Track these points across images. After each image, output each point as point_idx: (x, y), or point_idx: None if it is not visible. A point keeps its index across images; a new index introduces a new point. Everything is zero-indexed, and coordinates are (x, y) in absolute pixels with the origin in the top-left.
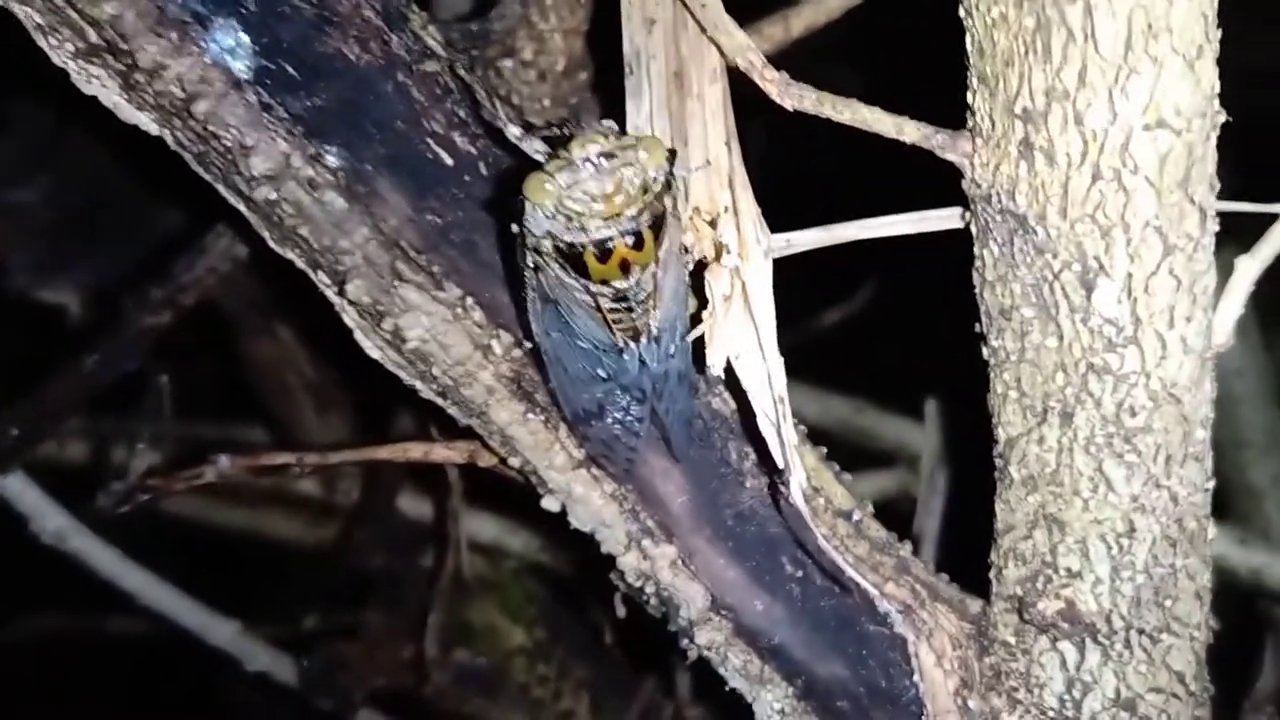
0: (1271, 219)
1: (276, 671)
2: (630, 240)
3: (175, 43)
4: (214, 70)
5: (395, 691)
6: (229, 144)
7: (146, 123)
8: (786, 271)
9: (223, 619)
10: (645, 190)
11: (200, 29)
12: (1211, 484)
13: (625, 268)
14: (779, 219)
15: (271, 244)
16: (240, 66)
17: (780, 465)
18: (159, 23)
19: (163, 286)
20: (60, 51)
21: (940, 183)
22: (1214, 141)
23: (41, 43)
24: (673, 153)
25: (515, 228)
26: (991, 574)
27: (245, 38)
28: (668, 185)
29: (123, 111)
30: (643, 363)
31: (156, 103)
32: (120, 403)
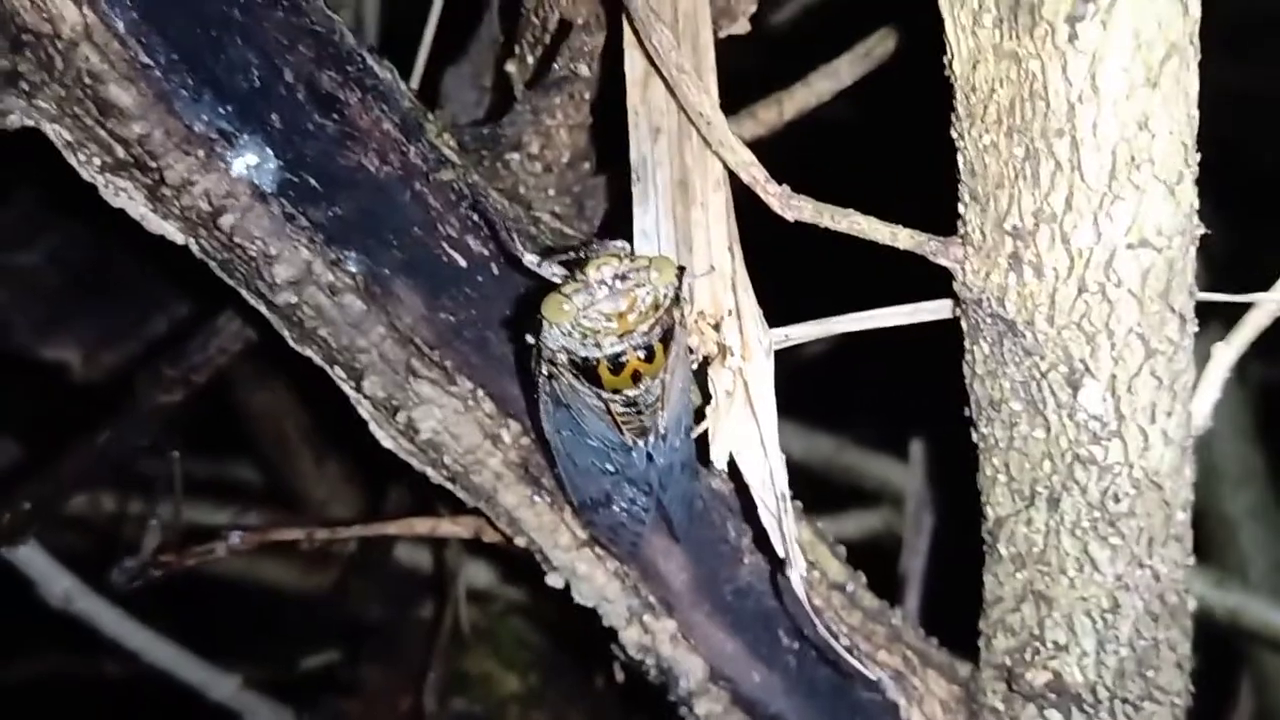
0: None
1: None
2: (642, 354)
3: (202, 159)
4: (239, 185)
5: None
6: (253, 253)
7: (172, 233)
8: (766, 302)
9: (223, 675)
10: (657, 307)
11: (226, 146)
12: (1191, 560)
13: (636, 378)
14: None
15: (291, 343)
16: (265, 180)
17: (781, 556)
18: (186, 140)
19: (175, 365)
20: (89, 167)
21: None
22: (1193, 253)
23: (70, 159)
24: (682, 269)
25: (531, 340)
26: (980, 642)
27: (270, 153)
28: (677, 299)
29: (150, 223)
30: (650, 458)
31: (183, 215)
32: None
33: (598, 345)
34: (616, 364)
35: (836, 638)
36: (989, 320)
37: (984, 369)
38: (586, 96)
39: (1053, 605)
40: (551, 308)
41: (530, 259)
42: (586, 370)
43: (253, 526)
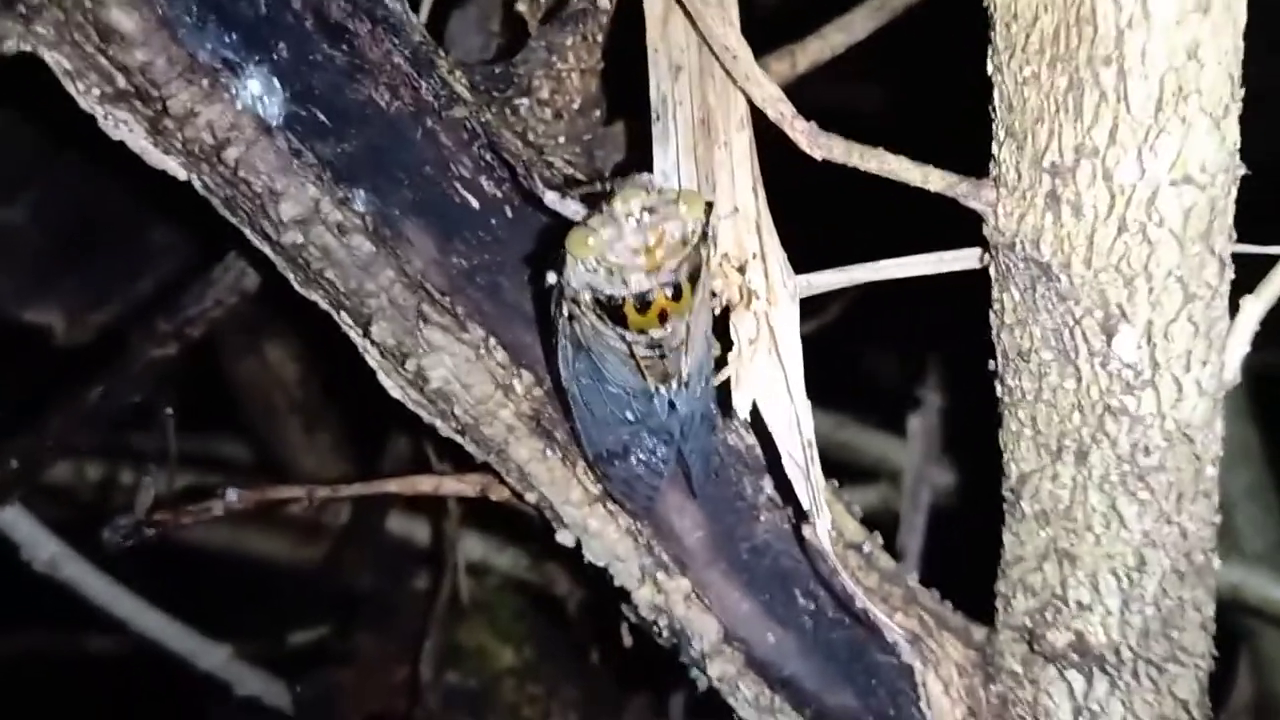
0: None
1: (268, 696)
2: (670, 292)
3: (206, 89)
4: (245, 117)
5: (387, 715)
6: (258, 189)
7: (174, 167)
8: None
9: (214, 644)
10: (685, 243)
11: (232, 76)
12: (1219, 518)
13: (663, 318)
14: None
15: (296, 286)
16: (271, 113)
17: (807, 508)
18: (190, 69)
19: (170, 319)
20: (88, 97)
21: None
22: (1234, 194)
23: (70, 88)
24: (710, 205)
25: (552, 278)
26: (998, 603)
27: (277, 84)
28: (704, 237)
29: (150, 156)
30: (672, 406)
31: (185, 148)
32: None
33: (624, 282)
34: (643, 302)
35: (868, 599)
36: (1022, 265)
37: (1013, 317)
38: (600, 38)
39: (1077, 563)
40: (576, 242)
41: (550, 196)
42: (611, 310)
43: (251, 486)
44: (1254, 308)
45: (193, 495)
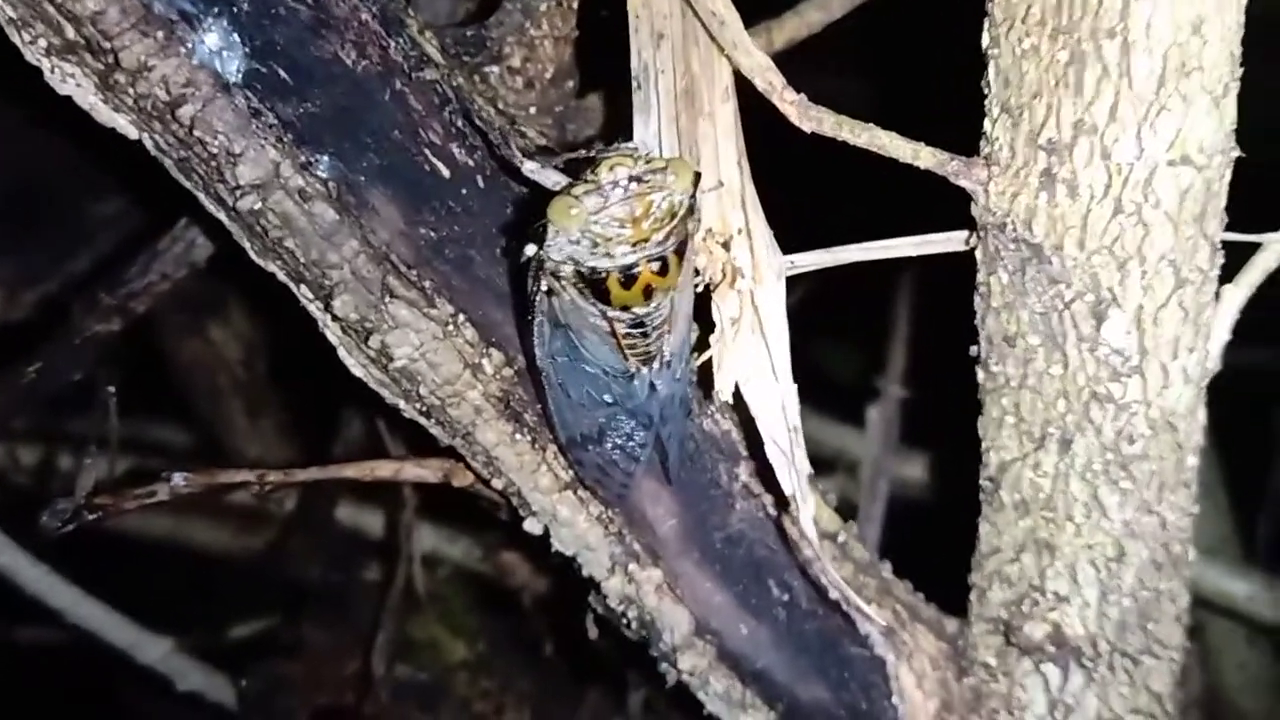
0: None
1: (211, 691)
2: (656, 266)
3: (161, 42)
4: (201, 72)
5: (335, 709)
6: (214, 151)
7: (125, 126)
8: None
9: (154, 636)
10: (673, 215)
11: (188, 28)
12: (1196, 509)
13: (648, 293)
14: None
15: (253, 256)
16: (230, 69)
17: (790, 495)
18: (144, 20)
19: (113, 292)
20: (33, 49)
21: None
22: (1228, 177)
23: (14, 38)
24: (699, 175)
25: (531, 250)
26: (972, 595)
27: (236, 38)
28: (691, 209)
29: (99, 113)
30: (653, 388)
31: (137, 105)
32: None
33: (609, 255)
34: (628, 276)
35: (849, 588)
36: (1012, 246)
37: (1000, 301)
38: (574, 4)
39: (1055, 554)
40: (559, 211)
41: (530, 165)
42: (594, 284)
43: (198, 470)
44: (1234, 295)
45: (133, 481)
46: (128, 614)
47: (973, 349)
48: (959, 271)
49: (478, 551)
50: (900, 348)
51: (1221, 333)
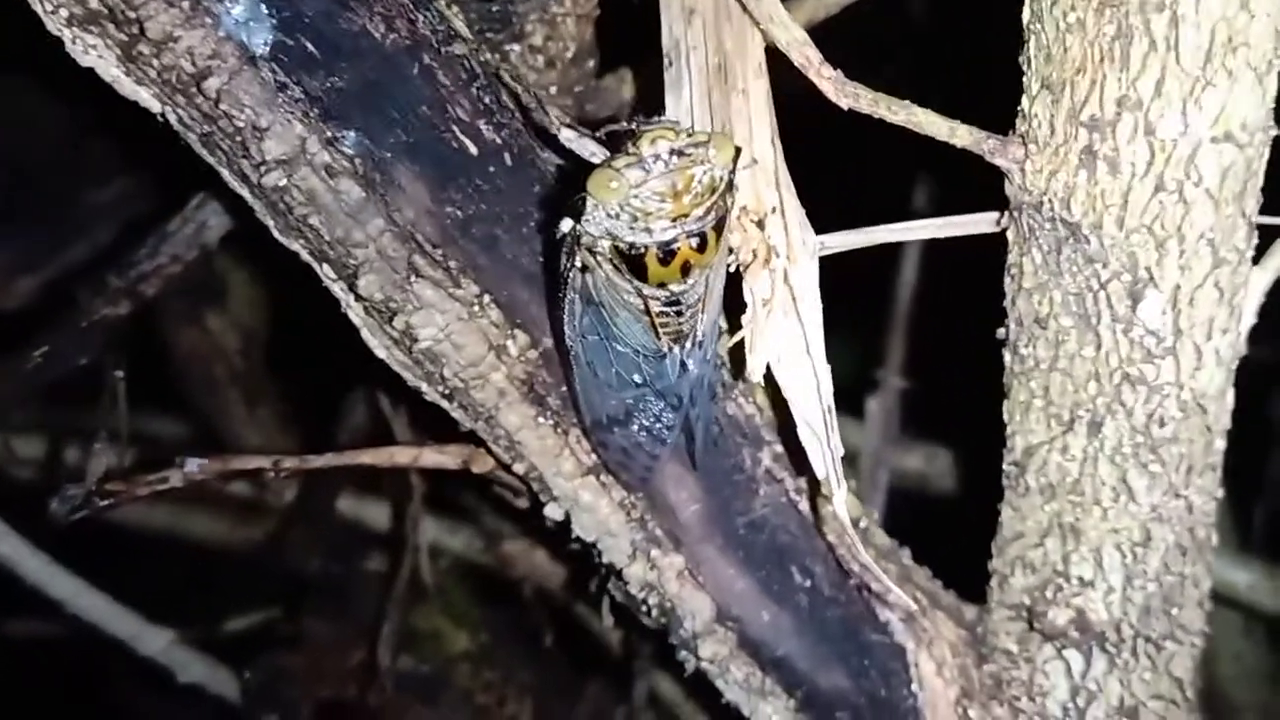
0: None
1: (212, 683)
2: (695, 242)
3: (187, 12)
4: (228, 44)
5: (338, 701)
6: (240, 125)
7: (147, 99)
8: None
9: (155, 628)
10: (713, 190)
11: None
12: (1221, 492)
13: (685, 270)
14: None
15: (276, 234)
16: (256, 41)
17: (823, 478)
18: None
19: (122, 275)
20: (55, 18)
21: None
22: (1266, 155)
23: (37, 7)
24: (738, 150)
25: (568, 224)
26: (993, 581)
27: (263, 9)
28: (730, 185)
29: (122, 86)
30: (684, 367)
31: (161, 77)
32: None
33: (648, 230)
34: (667, 252)
35: (884, 575)
36: (1048, 225)
37: (1033, 281)
38: None
39: (1081, 538)
40: (599, 184)
41: (567, 134)
42: (631, 260)
43: (211, 456)
44: (1261, 279)
45: (137, 470)
46: (127, 605)
47: (999, 331)
48: (959, 261)
49: (479, 542)
50: (899, 339)
51: (1249, 316)
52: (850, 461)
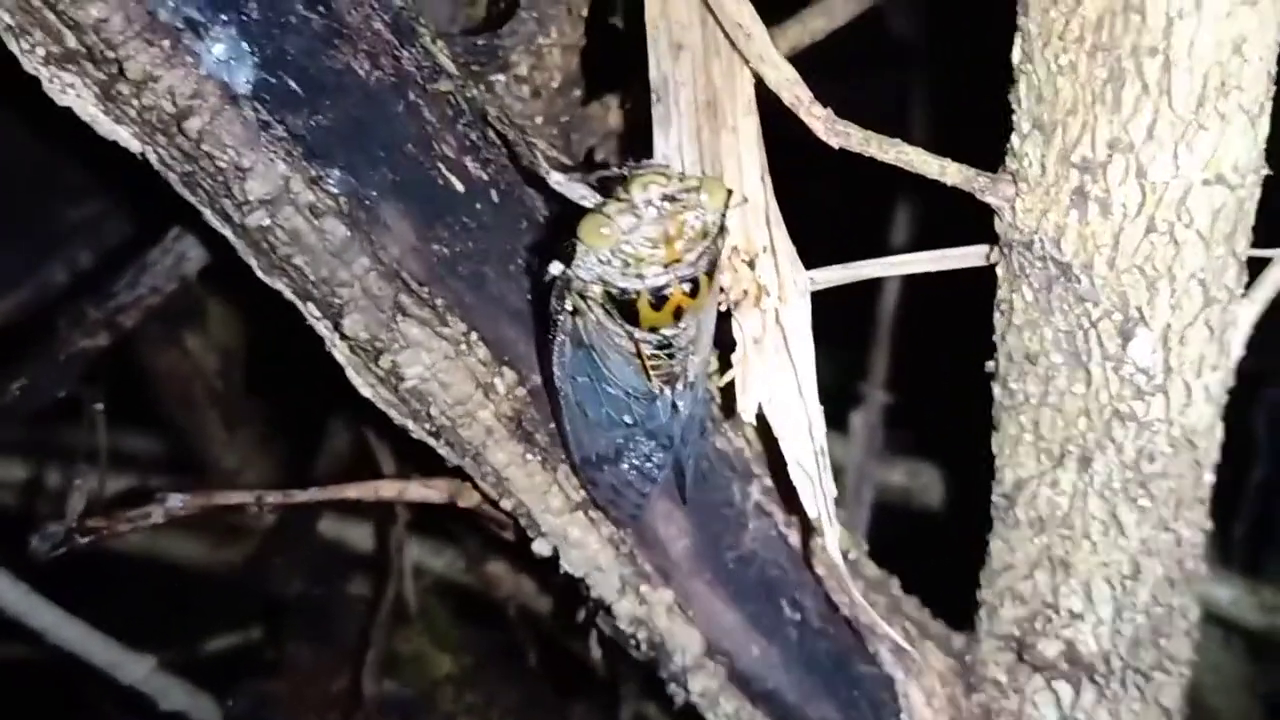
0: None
1: (195, 711)
2: (688, 287)
3: (167, 51)
4: (209, 83)
5: None
6: (222, 165)
7: (126, 138)
8: None
9: (136, 655)
10: (705, 235)
11: (195, 37)
12: (1209, 525)
13: (678, 314)
14: None
15: (259, 273)
16: (238, 80)
17: (814, 518)
18: (149, 29)
19: (100, 307)
20: (31, 57)
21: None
22: (1258, 196)
23: (12, 46)
24: (729, 194)
25: (557, 268)
26: (981, 612)
27: (245, 48)
28: (722, 229)
29: (100, 125)
30: (675, 408)
31: (141, 117)
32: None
33: (640, 276)
34: (659, 297)
35: (878, 616)
36: (1039, 264)
37: (1023, 318)
38: (584, 11)
39: (1070, 571)
40: (590, 230)
41: (556, 177)
42: (622, 305)
43: (194, 490)
44: (1249, 311)
45: (117, 497)
46: (104, 630)
47: (988, 365)
48: (943, 276)
49: (461, 563)
50: (883, 353)
51: (1237, 349)
52: (834, 476)
